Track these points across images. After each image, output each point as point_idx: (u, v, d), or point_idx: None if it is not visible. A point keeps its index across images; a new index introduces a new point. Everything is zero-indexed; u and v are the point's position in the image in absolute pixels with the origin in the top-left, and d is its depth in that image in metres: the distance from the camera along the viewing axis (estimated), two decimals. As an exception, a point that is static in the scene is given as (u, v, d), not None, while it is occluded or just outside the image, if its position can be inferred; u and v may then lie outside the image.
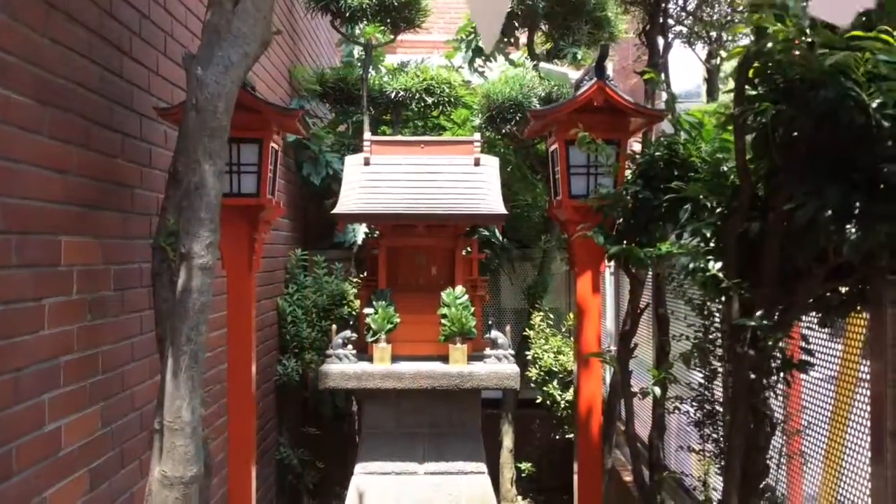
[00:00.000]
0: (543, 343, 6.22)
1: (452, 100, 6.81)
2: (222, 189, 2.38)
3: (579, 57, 6.31)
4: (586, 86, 3.47)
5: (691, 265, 2.27)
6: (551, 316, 6.44)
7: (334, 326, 5.32)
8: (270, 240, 5.77)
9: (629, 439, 3.28)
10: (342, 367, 5.02)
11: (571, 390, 6.04)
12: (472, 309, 5.15)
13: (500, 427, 6.52)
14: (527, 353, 6.16)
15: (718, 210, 2.43)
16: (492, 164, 5.56)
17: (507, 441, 6.49)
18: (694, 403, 3.06)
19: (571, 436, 6.13)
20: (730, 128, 2.43)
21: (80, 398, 2.84)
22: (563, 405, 6.04)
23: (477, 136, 5.57)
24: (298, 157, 6.61)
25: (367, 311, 5.18)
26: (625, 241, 2.78)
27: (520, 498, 6.51)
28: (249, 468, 3.97)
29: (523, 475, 6.56)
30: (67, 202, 2.78)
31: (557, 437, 6.20)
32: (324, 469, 6.15)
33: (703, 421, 2.92)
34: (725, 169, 2.51)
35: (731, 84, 2.77)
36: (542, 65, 5.98)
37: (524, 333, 6.19)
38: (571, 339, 6.57)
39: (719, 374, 2.96)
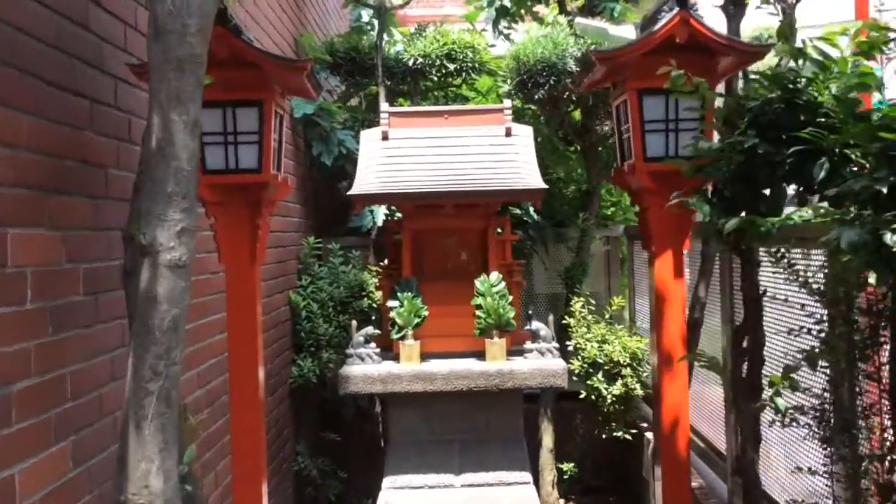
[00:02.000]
0: (585, 332, 5.60)
1: (476, 66, 6.16)
2: (197, 150, 1.76)
3: (616, 13, 5.64)
4: (665, 19, 2.78)
5: (861, 238, 1.64)
6: (592, 301, 5.81)
7: (354, 322, 4.72)
8: (279, 227, 5.17)
9: (742, 467, 2.65)
10: (365, 369, 4.42)
11: (619, 384, 5.44)
12: (510, 298, 4.53)
13: (539, 424, 5.92)
14: (567, 343, 5.54)
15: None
16: (525, 133, 4.92)
17: (547, 440, 5.89)
18: (810, 413, 2.43)
19: (620, 434, 5.54)
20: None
21: (42, 434, 2.25)
22: (609, 400, 5.43)
23: (507, 102, 4.93)
24: (308, 136, 5.99)
25: (390, 303, 4.57)
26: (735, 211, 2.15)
27: (562, 501, 5.92)
28: (259, 489, 3.39)
29: (565, 476, 5.96)
30: (14, 185, 2.18)
31: (604, 435, 5.59)
32: (347, 479, 5.57)
33: (831, 436, 2.30)
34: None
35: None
36: (578, 20, 5.32)
37: (563, 321, 5.56)
38: (617, 326, 5.95)
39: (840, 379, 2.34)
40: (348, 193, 4.41)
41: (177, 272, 1.62)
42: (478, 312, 4.47)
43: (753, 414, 2.73)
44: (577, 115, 6.05)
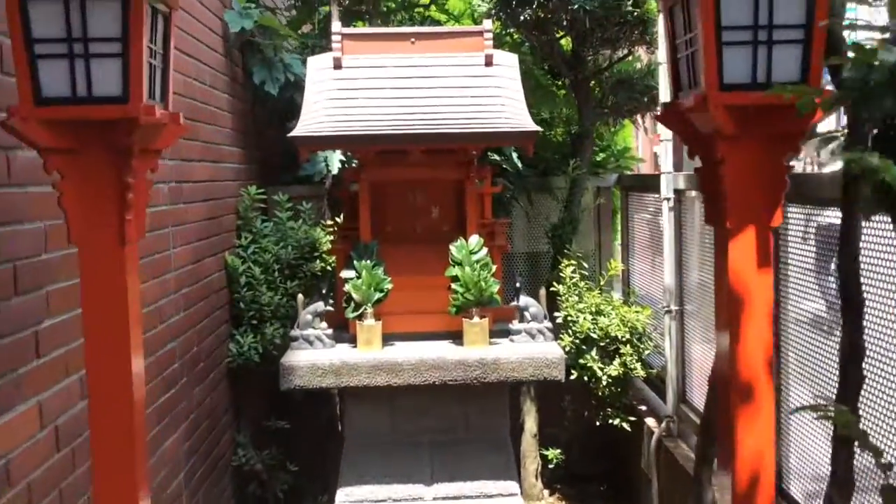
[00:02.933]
0: (577, 301, 4.77)
1: (448, -18, 5.18)
2: None
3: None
4: None
5: None
6: (585, 265, 4.97)
7: (301, 297, 3.82)
8: (210, 174, 4.22)
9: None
10: (313, 357, 3.55)
11: (616, 363, 4.64)
12: (493, 267, 3.66)
13: (521, 405, 5.12)
14: (555, 314, 4.71)
15: None
16: (509, 62, 4.00)
17: (531, 423, 5.10)
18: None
19: (617, 421, 4.76)
20: None
21: None
22: (604, 382, 4.63)
23: (487, 24, 3.99)
24: (248, 63, 4.98)
25: (345, 274, 3.68)
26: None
27: (546, 493, 5.17)
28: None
29: (550, 465, 5.20)
30: None
31: (598, 422, 4.81)
32: (297, 472, 4.74)
33: None
34: None
35: None
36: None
37: (550, 288, 4.72)
38: (613, 294, 5.13)
39: None
40: (289, 135, 3.47)
41: None
42: (453, 286, 3.60)
43: (845, 456, 1.92)
44: (567, 42, 5.11)
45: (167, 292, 3.46)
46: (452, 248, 3.66)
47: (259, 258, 4.67)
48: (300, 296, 3.80)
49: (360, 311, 3.61)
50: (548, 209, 5.62)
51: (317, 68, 3.92)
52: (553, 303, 4.98)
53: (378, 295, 3.61)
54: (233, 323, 4.60)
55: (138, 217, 1.79)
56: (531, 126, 3.56)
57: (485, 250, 3.67)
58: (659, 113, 2.49)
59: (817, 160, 5.25)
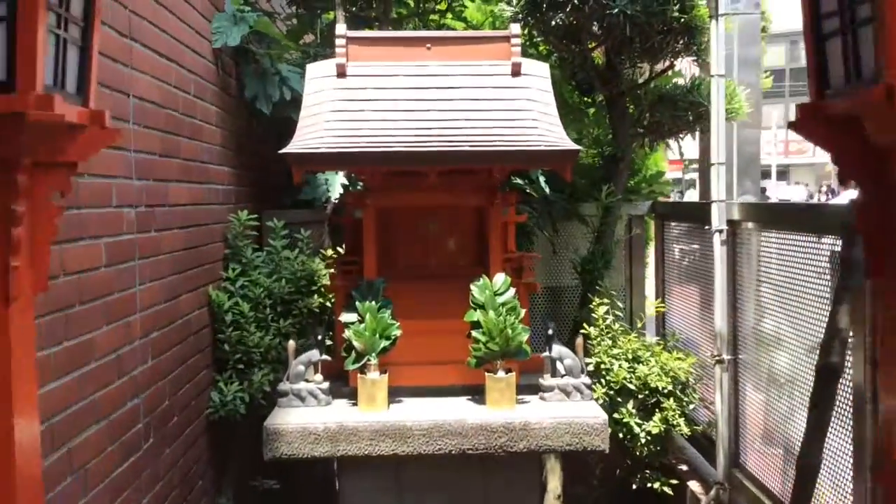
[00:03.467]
0: (610, 346, 4.16)
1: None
2: None
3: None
4: None
5: None
6: (620, 305, 4.37)
7: (291, 343, 3.22)
8: (191, 198, 3.65)
9: None
10: (305, 417, 2.96)
11: (657, 418, 4.02)
12: (521, 312, 3.08)
13: (544, 462, 4.49)
14: (587, 360, 4.10)
15: None
16: (539, 72, 3.45)
17: (554, 483, 4.47)
18: None
19: (657, 485, 4.14)
20: None
21: None
22: (642, 440, 4.01)
23: (515, 28, 3.43)
24: (242, 74, 4.43)
25: (345, 317, 3.09)
26: None
27: (571, 563, 4.53)
28: None
29: (576, 530, 4.57)
30: None
31: (634, 485, 4.19)
32: (288, 540, 4.13)
33: None
34: None
35: None
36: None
37: (581, 331, 4.12)
38: (650, 338, 4.53)
39: None
40: (281, 152, 2.90)
41: None
42: (474, 333, 3.02)
43: None
44: (598, 55, 4.55)
45: (130, 339, 2.87)
46: (473, 287, 3.07)
47: (249, 292, 4.09)
48: (291, 342, 3.21)
49: (363, 361, 3.02)
50: (575, 239, 5.04)
51: (317, 76, 3.37)
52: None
53: (384, 343, 3.02)
54: (216, 368, 4.01)
55: (37, 261, 1.21)
56: (569, 144, 2.99)
57: (511, 291, 3.09)
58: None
59: None
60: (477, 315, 3.03)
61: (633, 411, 4.05)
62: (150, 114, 3.11)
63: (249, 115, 4.57)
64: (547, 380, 3.14)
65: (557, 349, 3.17)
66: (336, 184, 4.59)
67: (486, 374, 3.04)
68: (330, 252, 4.52)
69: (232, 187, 4.36)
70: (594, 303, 4.26)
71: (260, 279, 4.12)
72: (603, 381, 4.10)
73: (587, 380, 3.15)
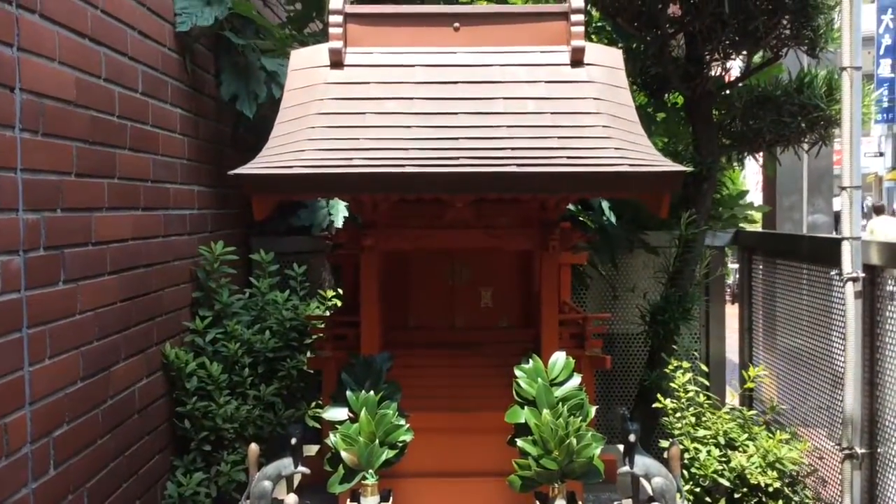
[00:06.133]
0: (694, 424, 3.14)
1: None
2: None
3: None
4: None
5: None
6: (705, 368, 3.34)
7: (253, 446, 2.24)
8: (144, 230, 2.72)
9: None
10: (266, 570, 1.99)
11: (761, 527, 2.98)
12: (591, 410, 2.08)
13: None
14: (660, 441, 3.10)
15: None
16: (610, 61, 2.48)
17: None
18: None
19: None
20: None
21: None
22: (741, 554, 2.98)
23: (577, 1, 2.43)
24: (219, 65, 3.50)
25: (329, 415, 2.11)
26: None
27: None
28: None
29: None
30: None
31: None
32: None
33: None
34: None
35: None
36: None
37: (654, 404, 3.12)
38: (746, 412, 3.50)
39: None
40: (231, 173, 1.93)
41: None
42: (521, 443, 2.02)
43: None
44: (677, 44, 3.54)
45: (10, 449, 1.92)
46: (519, 374, 2.08)
47: (222, 348, 3.14)
48: (253, 445, 2.23)
49: (354, 481, 2.04)
50: (636, 275, 4.04)
51: (302, 66, 2.42)
52: (654, 420, 3.39)
53: (387, 454, 2.05)
54: (174, 450, 3.06)
55: None
56: (669, 164, 1.99)
57: (577, 378, 2.09)
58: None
59: None
60: (524, 415, 2.04)
61: (728, 515, 3.02)
62: (57, 117, 2.17)
63: (225, 117, 3.63)
64: (625, 507, 2.14)
65: (643, 462, 2.17)
66: (340, 207, 3.65)
67: (537, 502, 2.05)
68: (331, 293, 3.58)
69: (206, 211, 3.42)
70: (670, 366, 3.24)
71: (237, 330, 3.18)
72: (686, 472, 3.07)
73: (686, 509, 2.16)
